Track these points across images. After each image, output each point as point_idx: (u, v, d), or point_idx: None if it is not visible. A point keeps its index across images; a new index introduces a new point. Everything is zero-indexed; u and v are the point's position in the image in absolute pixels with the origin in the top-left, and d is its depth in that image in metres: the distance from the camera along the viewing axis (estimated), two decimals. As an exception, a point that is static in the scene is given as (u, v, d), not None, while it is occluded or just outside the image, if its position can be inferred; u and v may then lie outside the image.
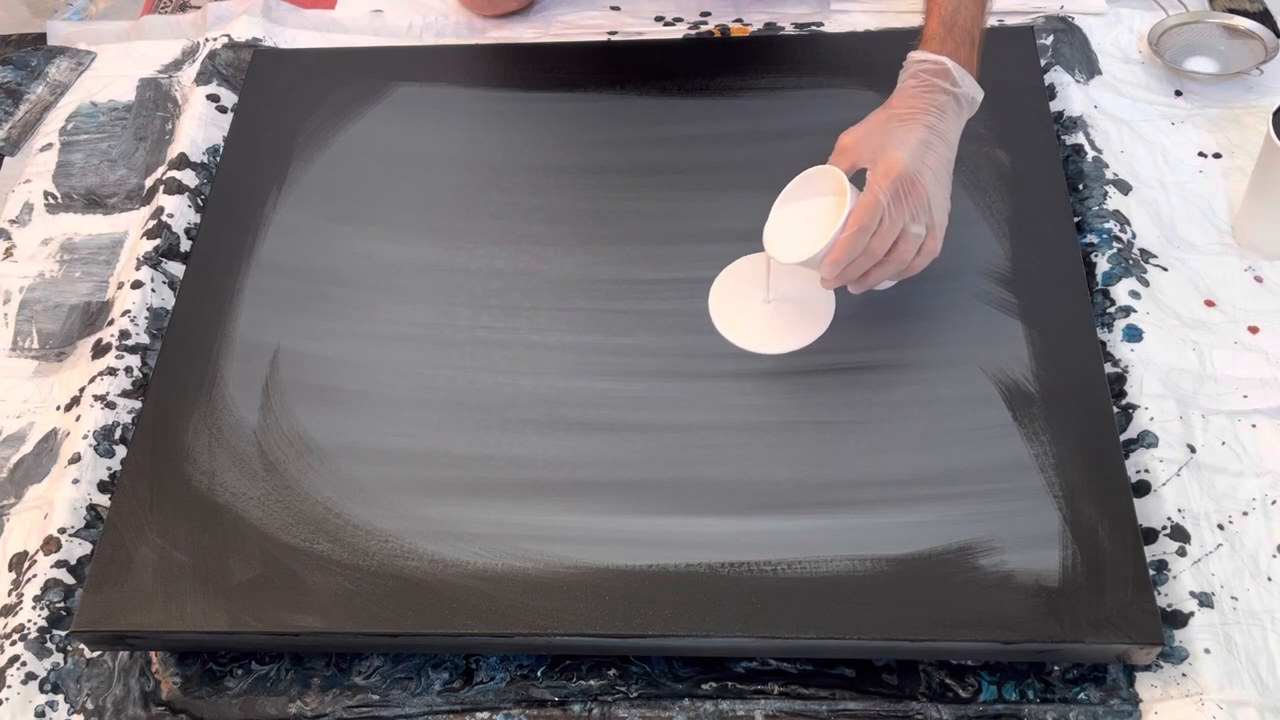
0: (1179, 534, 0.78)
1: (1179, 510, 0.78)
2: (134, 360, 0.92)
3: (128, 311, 0.93)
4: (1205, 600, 0.75)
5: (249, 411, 0.85)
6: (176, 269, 0.98)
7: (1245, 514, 0.79)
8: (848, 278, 0.80)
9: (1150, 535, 0.78)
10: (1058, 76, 1.03)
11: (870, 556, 0.75)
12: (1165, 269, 0.91)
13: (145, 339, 0.93)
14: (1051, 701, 0.74)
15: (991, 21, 1.08)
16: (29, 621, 0.80)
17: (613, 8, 1.16)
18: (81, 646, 0.80)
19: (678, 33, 1.13)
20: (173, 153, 1.04)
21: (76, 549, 0.83)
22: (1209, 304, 0.89)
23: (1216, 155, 0.99)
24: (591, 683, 0.77)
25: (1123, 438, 0.82)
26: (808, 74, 1.02)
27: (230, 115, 1.07)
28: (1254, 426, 0.82)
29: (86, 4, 1.27)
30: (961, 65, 0.81)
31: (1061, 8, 1.10)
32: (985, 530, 0.75)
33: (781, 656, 0.77)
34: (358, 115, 1.03)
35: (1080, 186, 0.96)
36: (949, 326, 0.85)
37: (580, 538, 0.77)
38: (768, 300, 0.88)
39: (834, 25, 1.12)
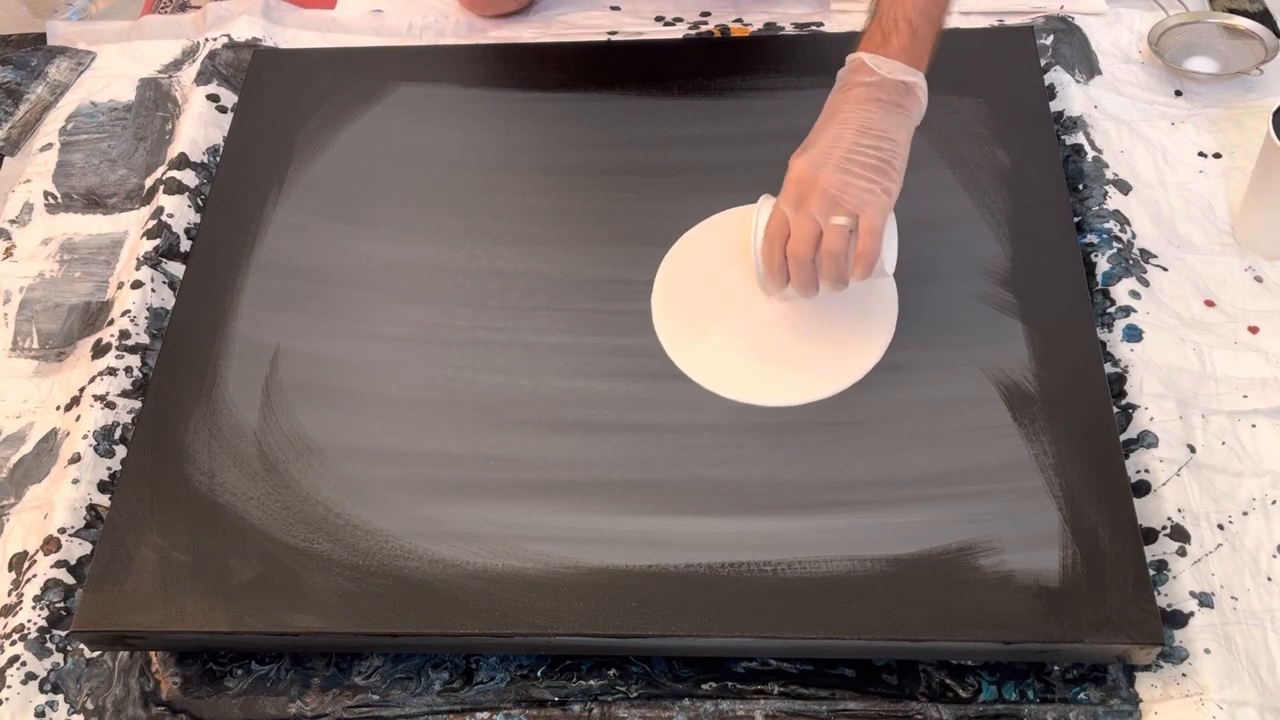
0: (1179, 534, 0.78)
1: (1179, 510, 0.78)
2: (134, 360, 0.92)
3: (128, 311, 0.93)
4: (1205, 600, 0.75)
5: (249, 411, 0.85)
6: (176, 269, 0.98)
7: (1245, 514, 0.79)
8: (801, 285, 0.78)
9: (1150, 535, 0.78)
10: (1058, 76, 1.03)
11: (870, 556, 0.75)
12: (1165, 269, 0.91)
13: (145, 339, 0.93)
14: (1051, 701, 0.74)
15: (991, 21, 1.09)
16: (29, 621, 0.80)
17: (613, 8, 1.16)
18: (81, 646, 0.80)
19: (678, 33, 1.13)
20: (173, 153, 1.04)
21: (76, 549, 0.83)
22: (1209, 304, 0.89)
23: (1216, 155, 0.99)
24: (591, 683, 0.77)
25: (1123, 438, 0.82)
26: (808, 74, 1.02)
27: (230, 115, 1.07)
28: (1254, 426, 0.82)
29: (86, 4, 1.27)
30: (892, 55, 0.78)
31: (1061, 8, 1.10)
32: (985, 530, 0.75)
33: (781, 656, 0.77)
34: (358, 115, 1.03)
35: (1080, 186, 0.96)
36: (949, 326, 0.85)
37: (580, 538, 0.77)
38: (784, 298, 0.86)
39: (834, 25, 1.12)
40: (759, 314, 0.86)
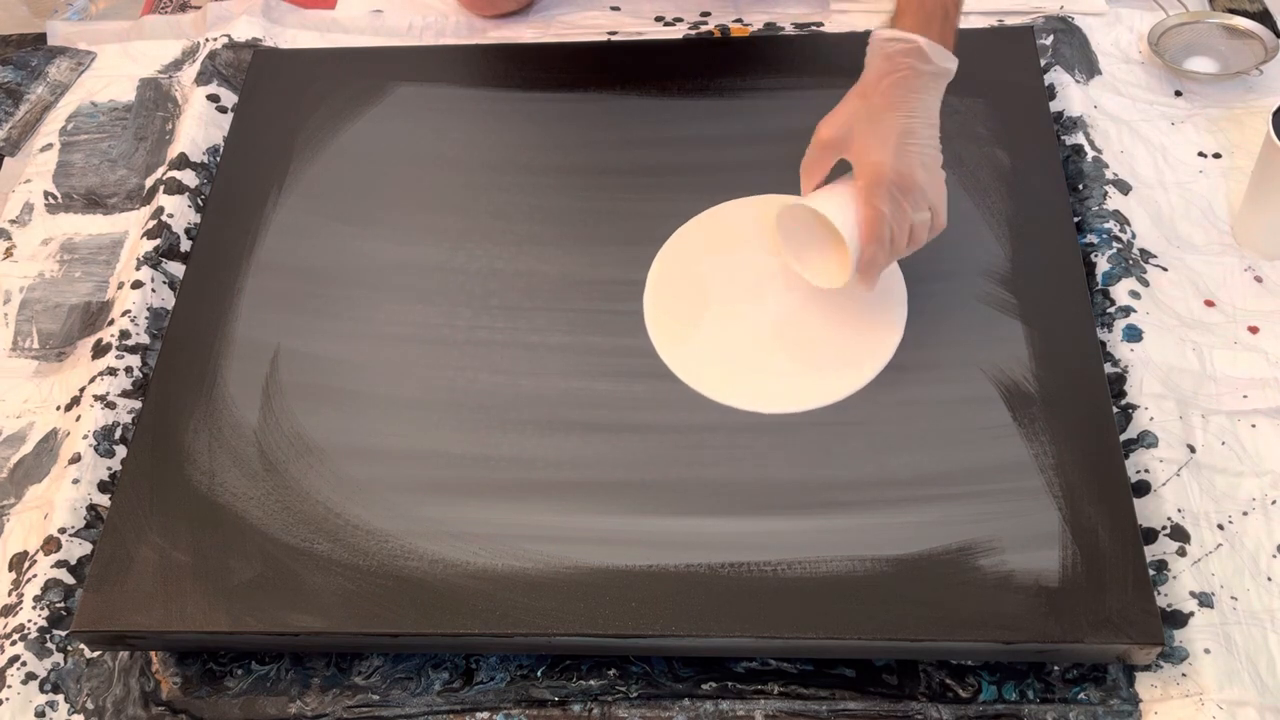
0: (1179, 534, 0.78)
1: (1179, 510, 0.78)
2: (134, 360, 0.92)
3: (128, 311, 0.94)
4: (1205, 600, 0.75)
5: (249, 411, 0.85)
6: (176, 269, 0.98)
7: (1245, 514, 0.79)
8: (873, 275, 0.80)
9: (1150, 535, 0.78)
10: (1058, 76, 1.03)
11: (870, 556, 0.75)
12: (1165, 269, 0.91)
13: (145, 339, 0.93)
14: (1051, 701, 0.74)
15: (991, 21, 1.09)
16: (29, 621, 0.80)
17: (613, 8, 1.16)
18: (81, 646, 0.80)
19: (678, 33, 1.13)
20: (173, 153, 1.04)
21: (76, 549, 0.83)
22: (1209, 304, 0.89)
23: (1216, 155, 0.99)
24: (591, 683, 0.77)
25: (1123, 438, 0.82)
26: (808, 74, 1.02)
27: (230, 115, 1.07)
28: (1254, 426, 0.82)
29: (86, 4, 1.27)
30: (934, 40, 0.78)
31: (1061, 8, 1.10)
32: (985, 530, 0.75)
33: (781, 656, 0.77)
34: (358, 115, 1.03)
35: (1080, 186, 0.96)
36: (949, 326, 0.85)
37: (580, 538, 0.77)
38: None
39: (834, 25, 1.12)
40: (758, 317, 0.86)
